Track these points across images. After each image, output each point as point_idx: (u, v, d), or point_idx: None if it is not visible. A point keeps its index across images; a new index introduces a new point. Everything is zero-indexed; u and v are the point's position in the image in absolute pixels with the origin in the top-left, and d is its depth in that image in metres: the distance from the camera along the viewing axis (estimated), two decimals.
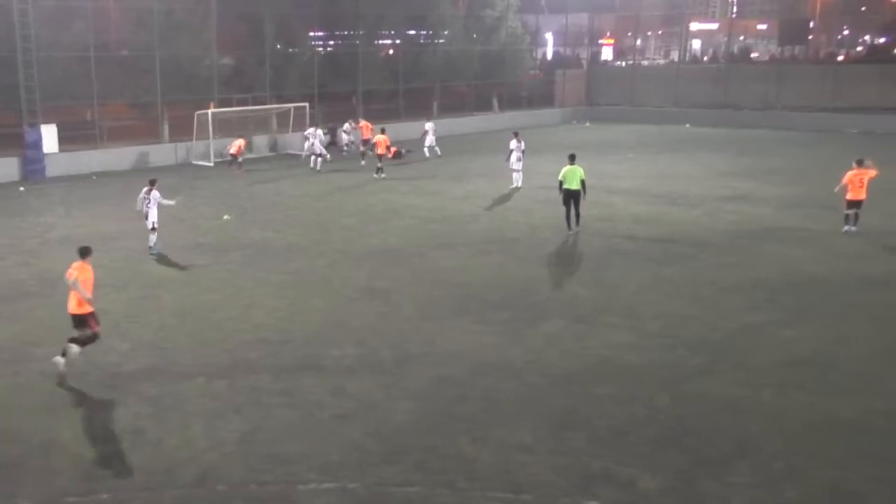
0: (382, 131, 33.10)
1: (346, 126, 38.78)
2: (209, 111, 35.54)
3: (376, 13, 45.58)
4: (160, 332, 14.78)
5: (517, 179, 28.84)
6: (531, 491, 9.50)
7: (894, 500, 9.38)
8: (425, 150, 37.03)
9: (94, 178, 32.19)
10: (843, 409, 11.54)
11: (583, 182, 21.54)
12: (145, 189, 20.39)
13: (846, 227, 21.99)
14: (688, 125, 50.29)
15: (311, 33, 47.46)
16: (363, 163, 34.37)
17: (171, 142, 37.14)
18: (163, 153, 36.28)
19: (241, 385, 12.39)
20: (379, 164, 31.70)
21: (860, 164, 22.04)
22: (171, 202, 20.72)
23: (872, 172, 21.92)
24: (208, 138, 35.39)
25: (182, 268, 19.13)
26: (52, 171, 32.29)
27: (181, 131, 36.96)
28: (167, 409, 11.62)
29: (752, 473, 9.85)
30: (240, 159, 33.38)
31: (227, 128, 35.99)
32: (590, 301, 16.42)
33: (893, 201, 25.08)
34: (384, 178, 31.16)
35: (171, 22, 36.33)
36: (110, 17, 37.59)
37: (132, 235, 22.23)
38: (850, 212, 21.94)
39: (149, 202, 20.23)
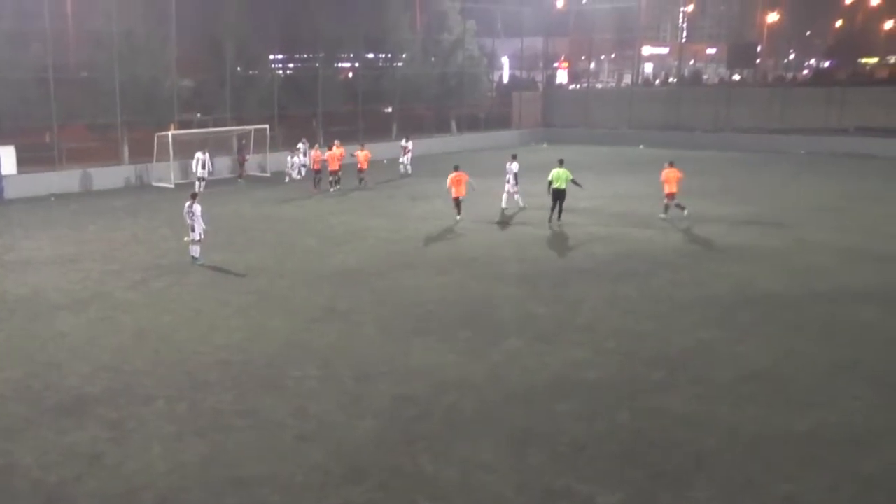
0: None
1: (300, 146, 38.64)
2: (169, 133, 35.18)
3: (335, 36, 45.63)
4: (119, 354, 14.49)
5: (512, 201, 28.29)
6: None
7: None
8: (401, 166, 38.71)
9: (52, 199, 31.66)
10: (796, 422, 11.65)
11: (573, 181, 25.50)
12: (188, 203, 21.17)
13: (663, 215, 26.20)
14: (641, 146, 50.92)
15: (271, 56, 47.35)
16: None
17: (131, 163, 36.72)
18: (123, 175, 35.84)
19: (201, 407, 12.18)
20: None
21: (671, 164, 26.22)
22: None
23: (679, 174, 26.19)
24: (168, 160, 35.01)
25: (142, 289, 18.83)
26: (10, 192, 31.73)
27: (141, 153, 36.55)
28: (127, 432, 11.38)
29: (709, 487, 9.89)
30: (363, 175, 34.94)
31: (187, 149, 35.61)
32: (549, 319, 16.45)
33: (837, 219, 25.65)
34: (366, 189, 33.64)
35: (131, 43, 35.98)
36: (69, 38, 37.15)
37: (91, 257, 21.90)
38: (670, 202, 26.11)
39: (192, 215, 20.89)
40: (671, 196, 26.06)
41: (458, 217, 26.22)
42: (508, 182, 28.26)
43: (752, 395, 12.59)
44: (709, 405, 12.23)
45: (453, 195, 26.32)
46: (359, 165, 34.67)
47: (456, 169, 26.63)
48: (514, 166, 28.26)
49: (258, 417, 11.85)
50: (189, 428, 11.49)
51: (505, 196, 28.37)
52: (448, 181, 26.45)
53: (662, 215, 26.17)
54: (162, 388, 12.88)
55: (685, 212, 25.89)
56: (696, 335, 15.39)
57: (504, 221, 26.76)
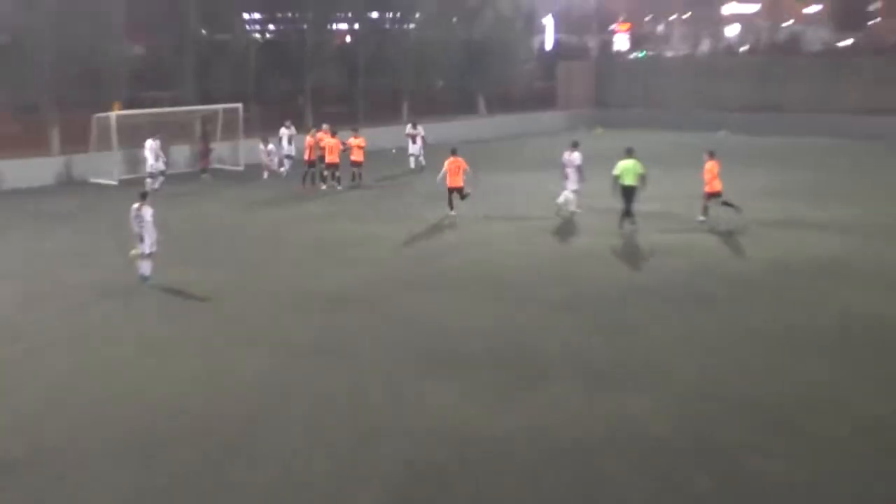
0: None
1: (284, 132, 38.61)
2: (112, 114, 35.27)
3: None
4: (48, 402, 14.51)
5: (568, 199, 28.59)
6: None
7: None
8: (411, 158, 39.23)
9: None
10: None
11: (642, 177, 25.88)
12: (135, 205, 20.85)
13: (737, 212, 26.46)
14: (722, 132, 50.71)
15: (246, 15, 47.55)
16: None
17: (62, 154, 36.86)
18: (52, 169, 35.94)
19: (154, 471, 12.14)
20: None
21: (712, 156, 26.92)
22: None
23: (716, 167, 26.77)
24: (111, 149, 35.11)
25: (78, 317, 18.89)
26: None
27: (76, 141, 36.66)
28: None
29: None
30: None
31: (138, 135, 35.85)
32: (603, 355, 16.38)
33: None
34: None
35: (67, 1, 36.18)
36: None
37: (13, 276, 22.06)
38: (710, 203, 26.63)
39: (141, 221, 20.67)
40: (713, 195, 26.53)
41: (452, 212, 28.48)
42: (567, 178, 28.36)
43: (868, 455, 12.43)
44: (812, 468, 12.08)
45: (448, 185, 28.38)
46: (352, 157, 34.57)
47: (453, 153, 28.78)
48: (576, 157, 28.39)
49: (224, 486, 11.79)
50: (135, 500, 11.45)
51: (565, 194, 28.45)
52: (444, 167, 28.43)
53: (737, 212, 26.47)
54: (101, 448, 12.85)
55: (701, 217, 26.75)
56: (793, 378, 15.26)
57: (557, 225, 26.70)
